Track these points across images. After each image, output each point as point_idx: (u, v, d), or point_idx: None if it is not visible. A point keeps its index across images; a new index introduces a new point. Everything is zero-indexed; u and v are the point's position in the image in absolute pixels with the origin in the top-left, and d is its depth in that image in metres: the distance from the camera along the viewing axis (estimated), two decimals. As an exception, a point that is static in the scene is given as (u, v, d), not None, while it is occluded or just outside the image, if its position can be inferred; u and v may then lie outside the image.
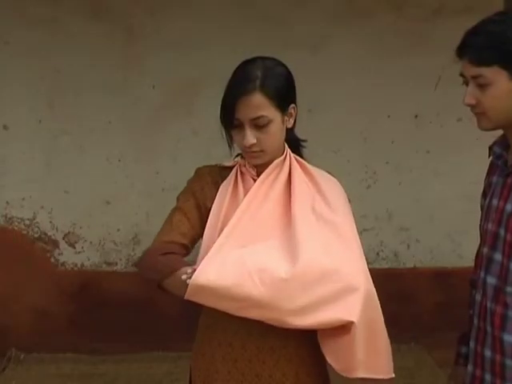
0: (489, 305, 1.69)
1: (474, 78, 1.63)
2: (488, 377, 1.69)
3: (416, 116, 4.15)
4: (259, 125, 1.75)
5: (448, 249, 4.23)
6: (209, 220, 1.81)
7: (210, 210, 1.83)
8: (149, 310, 3.93)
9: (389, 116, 4.13)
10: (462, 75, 1.67)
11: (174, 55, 3.96)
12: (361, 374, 1.69)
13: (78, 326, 4.03)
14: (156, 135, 4.06)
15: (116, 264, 4.15)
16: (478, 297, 1.74)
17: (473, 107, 1.67)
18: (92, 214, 4.10)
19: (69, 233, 4.11)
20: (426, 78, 4.03)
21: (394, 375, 1.74)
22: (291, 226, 1.76)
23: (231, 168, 1.89)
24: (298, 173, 1.85)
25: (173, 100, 4.04)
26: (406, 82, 4.04)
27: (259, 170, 1.85)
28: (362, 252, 1.80)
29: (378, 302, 1.72)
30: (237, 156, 1.90)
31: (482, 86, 1.62)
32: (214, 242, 1.75)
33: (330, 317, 1.66)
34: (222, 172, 1.89)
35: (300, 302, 1.66)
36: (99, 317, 3.99)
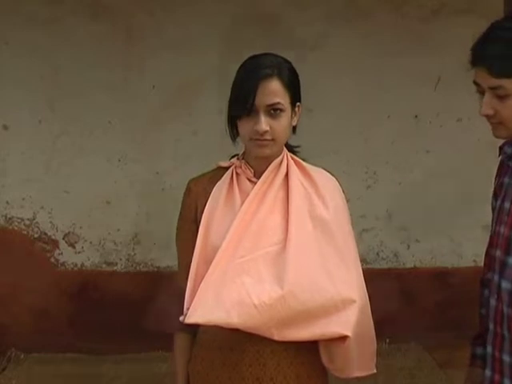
0: (505, 310, 1.65)
1: (493, 88, 1.58)
2: (507, 382, 1.66)
3: (416, 116, 4.15)
4: (274, 112, 1.74)
5: (448, 249, 4.23)
6: (201, 223, 1.80)
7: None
8: (149, 309, 3.93)
9: (389, 116, 4.13)
10: (476, 83, 1.62)
11: (174, 55, 3.95)
12: (352, 375, 1.78)
13: (77, 326, 4.02)
14: (156, 135, 4.05)
15: (116, 264, 4.15)
16: (493, 301, 1.70)
17: (490, 117, 1.62)
18: (92, 214, 4.09)
19: (69, 233, 4.11)
20: (426, 78, 4.03)
21: (375, 370, 1.83)
22: (288, 236, 1.74)
23: (227, 168, 1.87)
24: (295, 174, 1.84)
25: (173, 100, 4.04)
26: (406, 82, 4.03)
27: (256, 169, 1.83)
28: (358, 260, 1.81)
29: (370, 311, 1.78)
30: (233, 157, 1.89)
31: (501, 97, 1.57)
32: (206, 247, 1.77)
33: (326, 330, 1.70)
34: (218, 173, 1.88)
35: (296, 317, 1.68)
36: (99, 317, 3.98)
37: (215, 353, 1.80)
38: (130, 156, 4.08)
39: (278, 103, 1.73)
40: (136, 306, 3.95)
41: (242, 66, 1.80)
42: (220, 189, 1.83)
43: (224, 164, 1.88)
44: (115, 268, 4.15)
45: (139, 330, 3.95)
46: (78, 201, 4.06)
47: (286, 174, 1.83)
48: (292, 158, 1.86)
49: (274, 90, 1.73)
